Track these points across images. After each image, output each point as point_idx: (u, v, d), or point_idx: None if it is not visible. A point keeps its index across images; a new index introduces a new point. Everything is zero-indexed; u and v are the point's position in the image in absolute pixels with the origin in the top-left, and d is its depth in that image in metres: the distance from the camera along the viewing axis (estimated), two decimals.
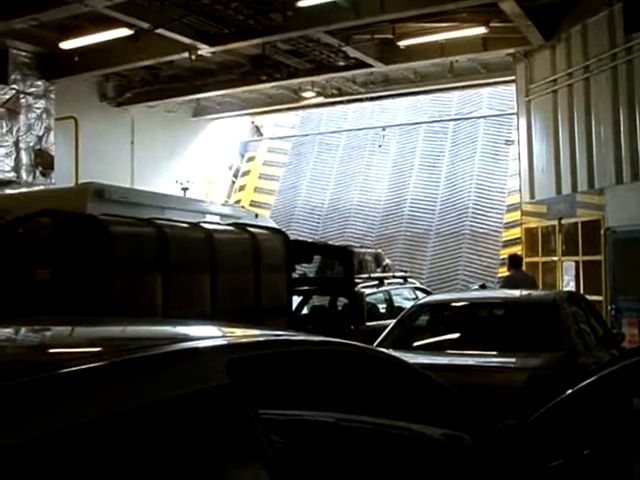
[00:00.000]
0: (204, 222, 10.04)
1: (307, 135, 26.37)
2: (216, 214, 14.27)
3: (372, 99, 22.11)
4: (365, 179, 24.10)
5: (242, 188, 25.64)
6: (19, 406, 1.60)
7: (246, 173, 26.30)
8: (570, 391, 3.21)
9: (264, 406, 2.33)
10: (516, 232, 18.95)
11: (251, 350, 2.35)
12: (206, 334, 2.61)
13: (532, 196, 16.82)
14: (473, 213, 21.70)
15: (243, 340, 2.49)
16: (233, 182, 25.94)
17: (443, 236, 21.66)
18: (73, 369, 1.78)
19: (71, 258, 7.65)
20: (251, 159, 26.61)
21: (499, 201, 21.70)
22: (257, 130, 27.25)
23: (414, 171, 23.42)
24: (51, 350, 2.29)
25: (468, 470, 3.07)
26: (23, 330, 2.64)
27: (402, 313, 9.08)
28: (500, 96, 22.50)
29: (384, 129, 24.31)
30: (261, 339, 2.60)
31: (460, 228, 21.53)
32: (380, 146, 24.23)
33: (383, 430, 3.45)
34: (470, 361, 7.32)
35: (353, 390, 3.43)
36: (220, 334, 2.65)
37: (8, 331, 2.60)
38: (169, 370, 1.95)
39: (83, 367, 1.80)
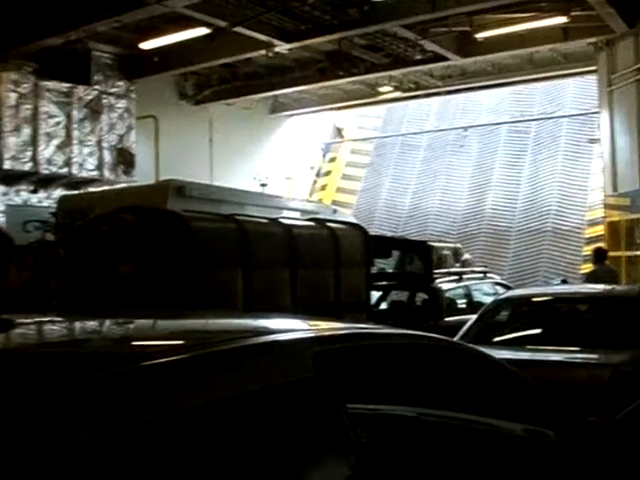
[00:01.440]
0: (283, 218, 10.10)
1: (389, 136, 26.52)
2: (294, 210, 14.34)
3: (449, 92, 21.92)
4: (447, 178, 24.20)
5: (324, 188, 25.90)
6: (107, 398, 1.60)
7: (328, 173, 26.63)
8: None
9: (349, 399, 2.31)
10: (599, 229, 18.68)
11: (337, 343, 2.33)
12: (292, 327, 2.62)
13: (615, 189, 16.43)
14: (555, 211, 21.60)
15: (329, 333, 2.49)
16: (315, 182, 26.24)
17: (525, 233, 21.65)
18: (161, 361, 1.78)
19: (154, 254, 7.79)
20: (333, 160, 26.94)
21: (581, 199, 21.56)
22: (339, 132, 27.55)
23: (495, 170, 23.48)
24: (136, 343, 2.30)
25: (552, 467, 3.02)
26: (107, 323, 2.67)
27: (483, 308, 8.98)
28: (583, 94, 22.10)
29: (466, 130, 24.37)
30: (346, 332, 2.57)
31: (542, 225, 21.48)
32: (462, 146, 24.30)
33: (465, 425, 3.42)
34: (552, 357, 7.18)
35: (436, 384, 3.41)
36: (306, 327, 2.65)
37: (92, 324, 2.65)
38: (256, 362, 1.96)
39: (171, 359, 1.81)
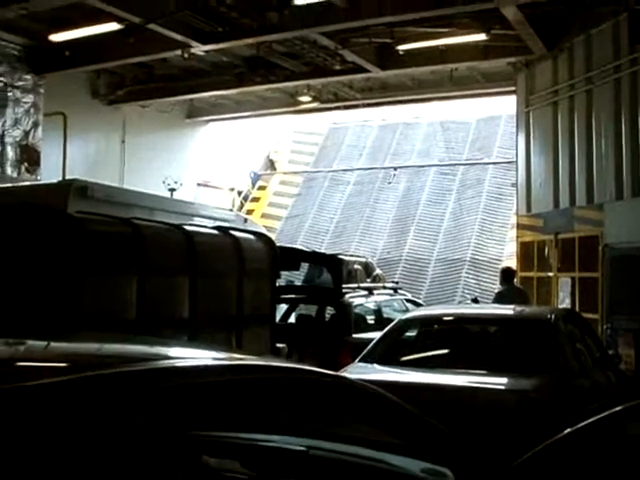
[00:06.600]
0: (186, 224, 9.62)
1: (319, 171, 27.72)
2: (205, 217, 13.89)
3: (369, 105, 21.77)
4: (372, 211, 25.36)
5: (250, 212, 26.06)
6: None
7: (255, 199, 27.52)
8: (568, 430, 2.82)
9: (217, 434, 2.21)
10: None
11: (193, 377, 2.12)
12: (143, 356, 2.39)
13: (529, 209, 16.44)
14: (475, 244, 22.85)
15: (183, 364, 2.23)
16: (242, 205, 26.87)
17: (444, 262, 22.73)
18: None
19: (41, 255, 7.23)
20: (262, 188, 27.96)
21: (501, 234, 22.72)
22: (272, 164, 28.73)
23: (420, 206, 24.74)
24: None
25: None
26: None
27: (389, 326, 8.67)
28: (510, 145, 22.63)
29: (395, 169, 25.73)
30: (208, 364, 2.36)
31: (462, 256, 22.60)
32: (390, 183, 25.50)
33: (356, 461, 3.15)
34: (459, 381, 6.91)
35: (324, 421, 3.12)
36: (159, 356, 2.40)
37: None
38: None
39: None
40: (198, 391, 2.06)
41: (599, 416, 2.81)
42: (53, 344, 2.58)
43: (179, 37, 14.74)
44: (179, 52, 15.53)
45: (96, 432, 1.72)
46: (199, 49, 15.58)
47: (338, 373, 3.39)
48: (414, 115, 27.62)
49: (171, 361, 2.30)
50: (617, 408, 2.86)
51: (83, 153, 19.28)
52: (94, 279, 7.16)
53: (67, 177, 16.66)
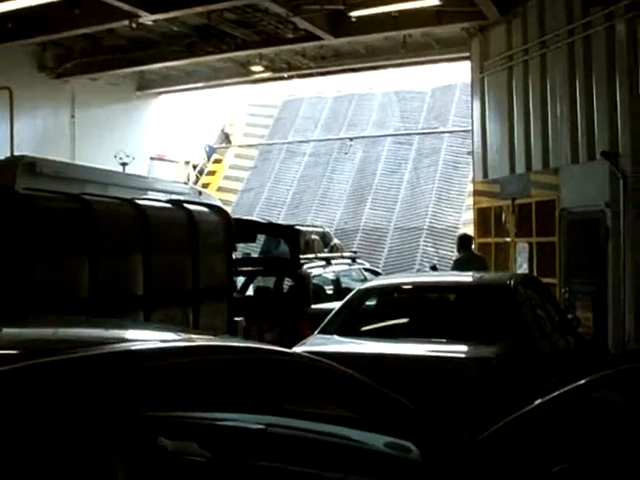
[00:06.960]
0: (139, 199, 9.40)
1: (275, 143, 27.80)
2: (159, 191, 13.70)
3: (322, 74, 21.52)
4: (328, 182, 25.52)
5: (206, 186, 25.95)
6: None
7: (211, 173, 27.46)
8: (538, 402, 2.74)
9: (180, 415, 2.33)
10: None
11: (149, 360, 2.05)
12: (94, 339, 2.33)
13: (485, 175, 16.41)
14: (433, 212, 22.96)
15: (140, 347, 2.15)
16: (197, 178, 26.70)
17: (402, 231, 22.91)
18: None
19: None
20: (218, 162, 27.91)
21: (459, 202, 22.84)
22: (226, 137, 28.72)
23: (377, 175, 24.89)
24: None
25: None
26: None
27: (348, 296, 8.58)
28: (466, 114, 22.59)
29: (351, 140, 25.76)
30: (165, 346, 2.25)
31: (419, 224, 22.77)
32: (346, 154, 25.58)
33: (317, 438, 3.11)
34: (419, 350, 6.84)
35: (284, 399, 3.06)
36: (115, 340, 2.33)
37: None
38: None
39: None
40: (155, 374, 2.00)
41: (563, 389, 2.73)
42: (3, 329, 2.46)
43: (126, 7, 14.35)
44: (127, 22, 15.16)
45: (49, 419, 1.68)
46: (147, 18, 15.20)
47: (296, 350, 3.29)
48: (369, 85, 27.53)
49: (127, 344, 2.22)
50: (581, 381, 2.79)
51: (31, 129, 18.84)
52: (43, 257, 6.95)
53: (15, 154, 16.27)
